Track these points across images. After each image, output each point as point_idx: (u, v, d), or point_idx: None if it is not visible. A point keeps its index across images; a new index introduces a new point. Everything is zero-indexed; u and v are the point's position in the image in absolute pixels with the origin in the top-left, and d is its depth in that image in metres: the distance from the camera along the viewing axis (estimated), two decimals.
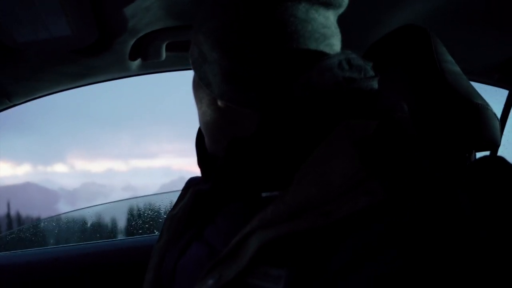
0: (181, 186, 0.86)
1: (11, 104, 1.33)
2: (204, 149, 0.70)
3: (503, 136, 1.31)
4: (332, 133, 0.53)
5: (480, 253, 0.40)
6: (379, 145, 0.49)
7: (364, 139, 0.50)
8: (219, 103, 0.63)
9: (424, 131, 0.76)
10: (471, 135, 0.76)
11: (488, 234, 0.41)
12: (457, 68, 0.82)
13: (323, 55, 0.60)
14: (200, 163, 0.70)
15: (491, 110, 0.79)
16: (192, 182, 0.83)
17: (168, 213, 0.81)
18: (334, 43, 0.64)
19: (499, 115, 1.59)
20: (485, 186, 0.47)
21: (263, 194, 0.56)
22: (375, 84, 0.61)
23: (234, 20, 0.59)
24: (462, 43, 1.31)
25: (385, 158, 0.48)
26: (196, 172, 0.73)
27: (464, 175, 0.49)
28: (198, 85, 0.66)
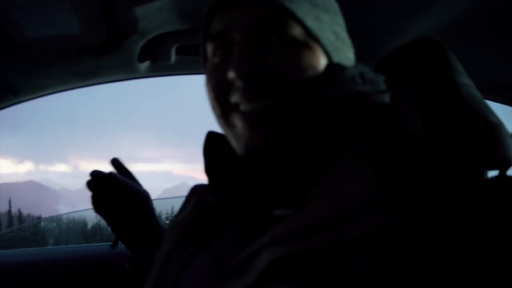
0: (183, 191, 0.85)
1: (17, 100, 1.32)
2: (213, 157, 0.68)
3: None
4: (348, 151, 0.52)
5: (498, 270, 0.39)
6: (394, 163, 0.49)
7: (379, 156, 0.50)
8: None
9: (437, 147, 0.74)
10: (484, 154, 0.75)
11: (505, 252, 0.40)
12: (471, 84, 0.81)
13: (338, 67, 0.59)
14: (208, 171, 0.68)
15: (505, 129, 0.77)
16: (196, 190, 0.81)
17: (171, 220, 0.80)
18: (349, 54, 0.65)
19: None
20: (499, 206, 0.46)
21: (276, 212, 0.55)
22: (387, 98, 0.61)
23: None
24: (475, 59, 1.30)
25: (400, 176, 0.47)
26: (199, 178, 0.71)
27: (479, 194, 0.48)
28: None
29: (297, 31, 0.58)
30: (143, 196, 0.92)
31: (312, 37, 0.59)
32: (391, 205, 0.43)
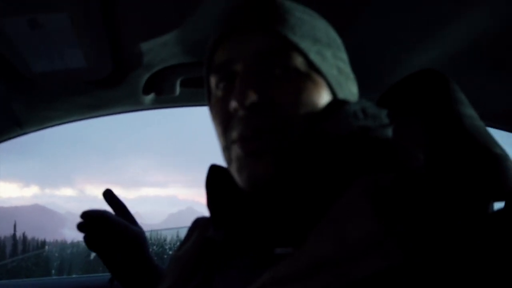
0: (188, 216, 0.84)
1: (22, 132, 1.33)
2: (216, 192, 0.67)
3: None
4: (349, 189, 0.52)
5: None
6: (397, 201, 0.48)
7: (382, 193, 0.49)
8: None
9: (440, 181, 0.73)
10: (490, 186, 0.74)
11: None
12: (475, 115, 0.80)
13: (340, 103, 0.60)
14: (211, 207, 0.67)
15: (511, 161, 0.76)
16: (198, 223, 0.80)
17: (173, 252, 0.79)
18: (352, 89, 0.65)
19: None
20: (506, 241, 0.45)
21: (277, 251, 0.54)
22: (389, 132, 0.60)
23: None
24: (479, 88, 1.30)
25: (403, 215, 0.46)
26: (204, 203, 0.70)
27: (485, 230, 0.47)
28: None
29: (300, 63, 0.58)
30: (136, 236, 0.91)
31: (315, 70, 0.59)
32: (394, 245, 0.43)
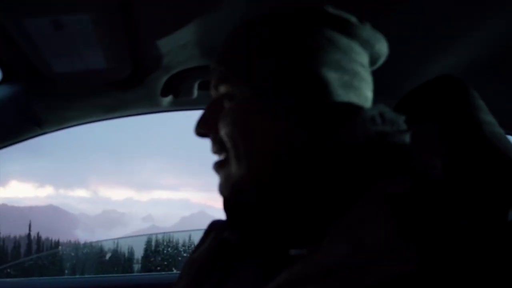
0: (200, 220, 0.84)
1: (42, 132, 1.34)
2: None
3: None
4: (366, 193, 0.52)
5: None
6: (414, 207, 0.48)
7: (399, 200, 0.49)
8: None
9: (459, 189, 0.73)
10: (509, 193, 0.73)
11: None
12: (494, 122, 0.80)
13: (357, 108, 0.60)
14: (227, 208, 0.68)
15: None
16: (214, 226, 0.80)
17: (189, 255, 0.79)
18: (368, 94, 0.65)
19: None
20: None
21: (292, 252, 0.55)
22: (406, 138, 0.60)
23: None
24: (497, 96, 1.29)
25: (419, 221, 0.46)
26: (216, 207, 0.72)
27: (502, 239, 0.46)
28: None
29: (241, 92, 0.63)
30: None
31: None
32: (408, 251, 0.43)
